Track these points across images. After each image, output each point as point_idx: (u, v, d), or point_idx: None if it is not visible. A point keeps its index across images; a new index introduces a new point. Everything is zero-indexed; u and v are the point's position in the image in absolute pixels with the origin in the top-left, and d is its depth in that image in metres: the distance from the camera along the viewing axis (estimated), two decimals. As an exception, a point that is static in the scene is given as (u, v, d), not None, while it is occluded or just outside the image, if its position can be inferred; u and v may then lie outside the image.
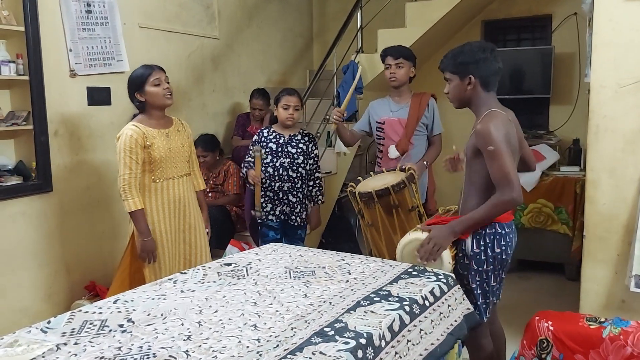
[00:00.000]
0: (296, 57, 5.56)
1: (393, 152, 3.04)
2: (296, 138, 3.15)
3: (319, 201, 3.27)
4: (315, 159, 3.23)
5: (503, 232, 2.08)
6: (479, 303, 2.12)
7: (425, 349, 1.71)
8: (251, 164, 3.13)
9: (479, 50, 2.06)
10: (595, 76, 2.50)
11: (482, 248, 2.07)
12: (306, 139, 3.18)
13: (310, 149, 3.18)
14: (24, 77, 3.01)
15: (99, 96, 3.41)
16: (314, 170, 3.23)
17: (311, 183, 3.23)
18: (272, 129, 3.17)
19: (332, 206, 4.40)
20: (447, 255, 2.02)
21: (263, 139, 3.14)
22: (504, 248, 2.08)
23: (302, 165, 3.14)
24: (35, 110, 3.05)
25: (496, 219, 2.06)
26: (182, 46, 4.06)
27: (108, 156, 3.39)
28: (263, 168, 3.10)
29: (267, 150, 3.11)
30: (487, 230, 2.06)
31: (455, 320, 1.93)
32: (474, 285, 2.10)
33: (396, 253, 2.19)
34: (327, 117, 4.45)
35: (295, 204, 3.16)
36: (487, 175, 2.00)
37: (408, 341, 1.66)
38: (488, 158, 1.96)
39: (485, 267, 2.08)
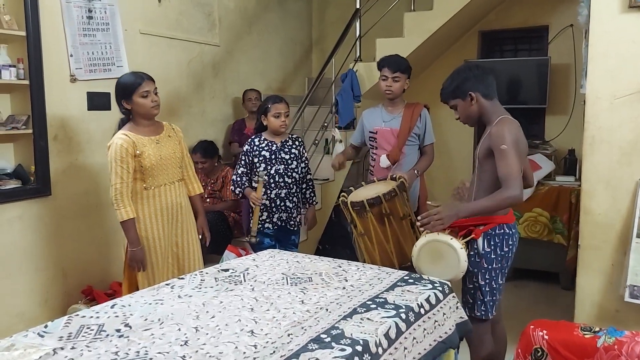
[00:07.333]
0: (295, 65, 5.59)
1: (384, 161, 3.07)
2: (288, 144, 3.17)
3: (314, 202, 3.31)
4: (306, 162, 3.27)
5: (510, 232, 2.24)
6: (486, 300, 2.24)
7: (414, 357, 1.72)
8: (243, 186, 3.10)
9: (465, 70, 2.26)
10: (591, 87, 2.52)
11: (493, 247, 2.21)
12: (297, 143, 3.21)
13: (301, 153, 3.21)
14: (25, 82, 3.03)
15: (98, 101, 3.43)
16: (306, 173, 3.26)
17: (304, 186, 3.26)
18: (263, 137, 3.15)
19: (329, 213, 4.41)
20: (463, 254, 2.11)
21: (255, 147, 3.12)
22: (510, 247, 2.25)
23: (296, 170, 3.16)
24: (35, 115, 3.06)
25: (503, 220, 2.21)
26: (182, 53, 4.08)
27: (107, 161, 3.38)
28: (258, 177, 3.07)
29: (261, 158, 3.09)
30: (497, 231, 2.21)
31: (450, 329, 1.95)
32: (483, 283, 2.23)
33: (412, 252, 2.23)
34: (325, 124, 4.48)
35: (292, 209, 3.17)
36: (496, 174, 2.13)
37: (405, 348, 1.67)
38: (498, 156, 2.11)
39: (494, 265, 2.23)
